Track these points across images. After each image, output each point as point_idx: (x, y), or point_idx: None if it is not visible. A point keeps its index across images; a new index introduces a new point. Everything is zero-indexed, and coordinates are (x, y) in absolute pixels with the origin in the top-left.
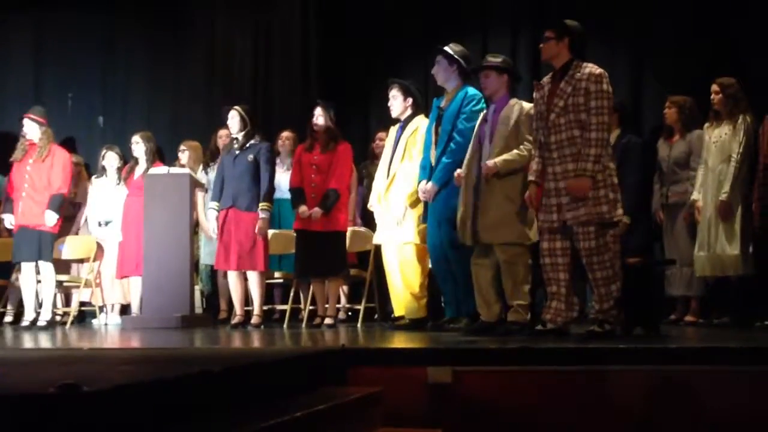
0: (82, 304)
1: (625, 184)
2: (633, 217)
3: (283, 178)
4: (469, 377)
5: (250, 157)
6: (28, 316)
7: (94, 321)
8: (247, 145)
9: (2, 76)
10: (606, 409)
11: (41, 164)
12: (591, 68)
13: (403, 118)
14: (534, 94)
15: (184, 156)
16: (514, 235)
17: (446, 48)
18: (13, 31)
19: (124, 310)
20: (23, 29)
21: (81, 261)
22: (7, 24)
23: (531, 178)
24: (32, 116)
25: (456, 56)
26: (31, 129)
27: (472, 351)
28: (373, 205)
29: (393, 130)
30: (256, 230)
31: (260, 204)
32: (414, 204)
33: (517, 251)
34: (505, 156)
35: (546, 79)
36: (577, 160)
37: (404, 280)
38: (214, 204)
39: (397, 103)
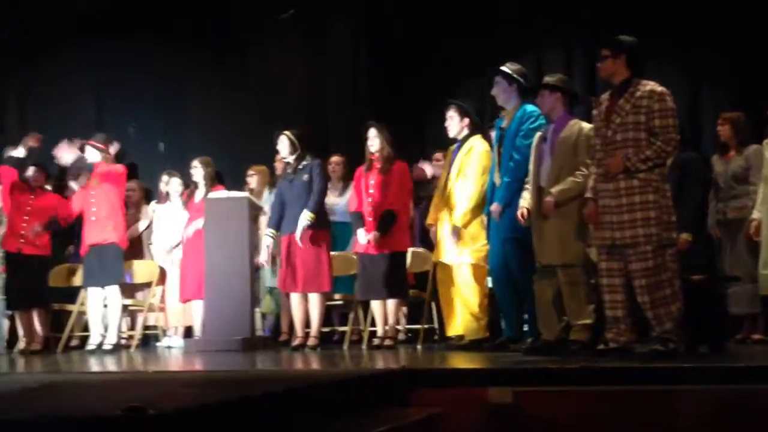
0: (146, 327)
1: (685, 200)
2: (695, 233)
3: (336, 202)
4: (530, 398)
5: (305, 177)
6: (94, 340)
7: (158, 344)
8: (300, 166)
9: (66, 108)
10: (671, 430)
11: (103, 188)
12: (652, 86)
13: (459, 138)
14: (593, 111)
15: (252, 180)
16: (573, 256)
17: (504, 68)
18: (75, 65)
19: (188, 332)
20: (85, 63)
21: (146, 285)
22: (69, 58)
23: (588, 194)
24: (93, 143)
25: (515, 75)
26: (93, 155)
27: (533, 371)
28: (430, 224)
29: (451, 150)
30: (297, 234)
31: (305, 212)
32: (468, 223)
33: (577, 271)
34: (561, 186)
35: (605, 96)
36: (630, 179)
37: (463, 301)
38: (270, 231)
39: (454, 123)
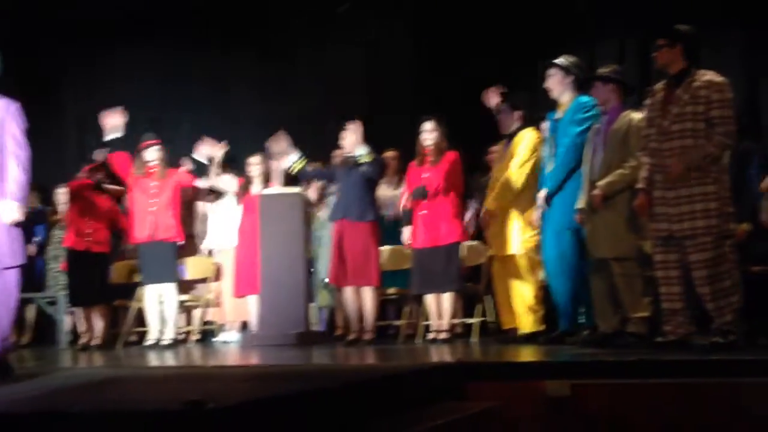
0: (203, 322)
1: (745, 190)
2: (754, 224)
3: (389, 195)
4: (588, 391)
5: (363, 169)
6: (153, 336)
7: (215, 339)
8: (361, 160)
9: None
10: (731, 423)
11: (162, 183)
12: (711, 76)
13: (511, 130)
14: (646, 100)
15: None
16: (626, 248)
17: (558, 60)
18: (131, 63)
19: (244, 327)
20: (141, 60)
21: (202, 281)
22: (126, 56)
23: (640, 185)
24: (150, 141)
25: (570, 67)
26: (151, 152)
27: (590, 364)
28: (486, 217)
29: (503, 143)
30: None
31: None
32: (517, 215)
33: (631, 264)
34: (609, 179)
35: (660, 85)
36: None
37: (517, 293)
38: None
39: (506, 116)
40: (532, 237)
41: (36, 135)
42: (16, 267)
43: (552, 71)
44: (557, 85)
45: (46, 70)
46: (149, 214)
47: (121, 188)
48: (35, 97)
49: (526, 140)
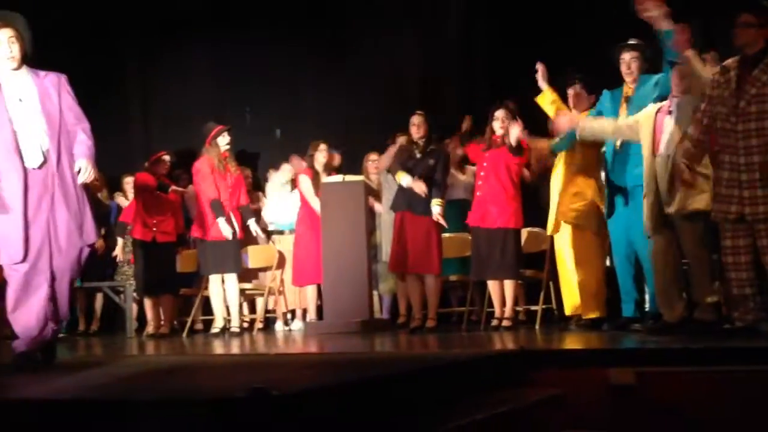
0: (266, 311)
1: None
2: None
3: (451, 180)
4: (653, 379)
5: (431, 161)
6: (218, 324)
7: (278, 327)
8: (428, 150)
9: (184, 98)
10: None
11: (235, 179)
12: None
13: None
14: (716, 77)
15: (371, 165)
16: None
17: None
18: (192, 55)
19: (305, 315)
20: (202, 53)
21: (264, 270)
22: (187, 48)
23: (683, 160)
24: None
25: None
26: (224, 137)
27: (656, 351)
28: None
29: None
30: (435, 218)
31: (435, 200)
32: (581, 197)
33: (703, 251)
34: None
35: (731, 62)
36: (763, 152)
37: (581, 279)
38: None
39: (581, 99)
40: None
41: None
42: (86, 246)
43: (635, 54)
44: (635, 63)
45: (112, 65)
46: (225, 209)
47: (183, 189)
48: (102, 92)
49: None
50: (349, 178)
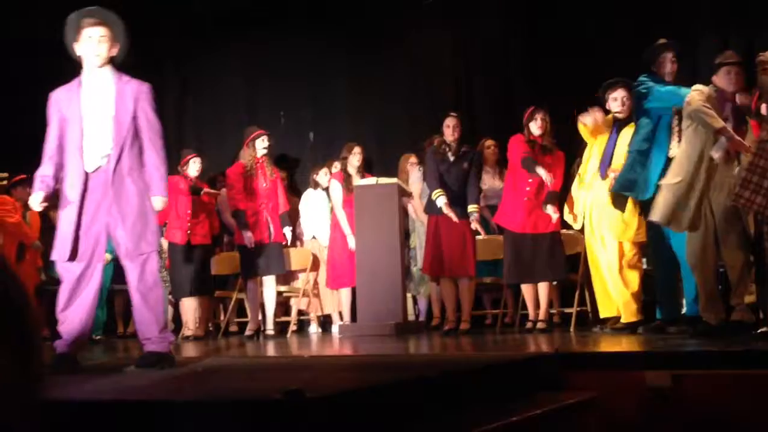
0: (300, 313)
1: None
2: None
3: (490, 185)
4: (690, 382)
5: (465, 165)
6: (252, 326)
7: (312, 329)
8: (460, 152)
9: (218, 101)
10: None
11: (271, 179)
12: None
13: (622, 117)
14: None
15: (408, 166)
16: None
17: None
18: (227, 58)
19: (339, 317)
20: (236, 56)
21: (299, 272)
22: (221, 52)
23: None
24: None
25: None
26: (263, 140)
27: (693, 354)
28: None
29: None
30: (473, 226)
31: (471, 206)
32: (618, 201)
33: (742, 252)
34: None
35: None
36: None
37: (615, 281)
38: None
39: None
40: (636, 225)
41: None
42: (147, 254)
43: (671, 56)
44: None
45: (147, 67)
46: (261, 212)
47: (215, 191)
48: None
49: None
50: (383, 180)
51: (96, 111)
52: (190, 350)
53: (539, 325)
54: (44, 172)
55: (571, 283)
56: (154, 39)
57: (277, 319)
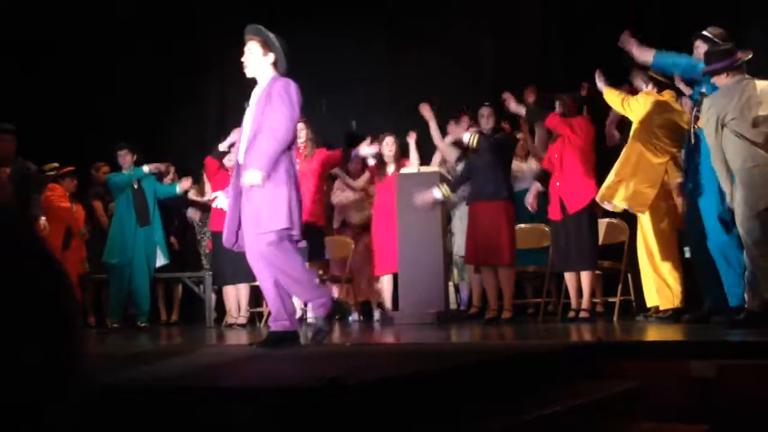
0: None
1: None
2: None
3: (520, 167)
4: (735, 372)
5: (493, 151)
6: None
7: (352, 317)
8: (492, 139)
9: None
10: None
11: (310, 168)
12: None
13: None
14: None
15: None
16: None
17: (705, 32)
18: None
19: (379, 306)
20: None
21: (341, 259)
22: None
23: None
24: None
25: (715, 39)
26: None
27: (738, 344)
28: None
29: None
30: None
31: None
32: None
33: None
34: None
35: None
36: None
37: (657, 268)
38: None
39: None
40: (674, 212)
41: (180, 124)
42: (278, 230)
43: (697, 43)
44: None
45: (191, 60)
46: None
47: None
48: (180, 87)
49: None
50: (425, 168)
51: (248, 114)
52: (232, 338)
53: (582, 314)
54: None
55: (616, 272)
56: (197, 33)
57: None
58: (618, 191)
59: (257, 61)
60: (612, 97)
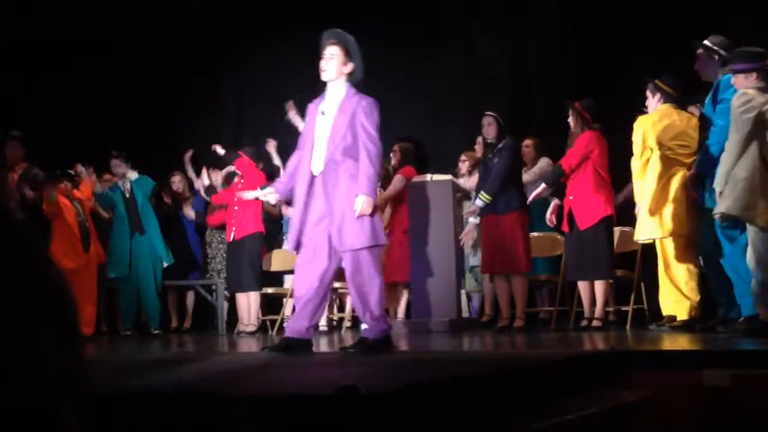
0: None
1: None
2: None
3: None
4: (749, 381)
5: (497, 159)
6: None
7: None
8: (497, 148)
9: (276, 95)
10: None
11: None
12: None
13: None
14: None
15: (463, 166)
16: None
17: (706, 41)
18: (285, 55)
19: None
20: (294, 52)
21: None
22: (283, 46)
23: None
24: None
25: (714, 47)
26: None
27: (753, 353)
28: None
29: None
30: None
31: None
32: (663, 195)
33: None
34: None
35: None
36: None
37: (670, 278)
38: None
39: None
40: (686, 220)
41: (195, 130)
42: (368, 248)
43: (699, 52)
44: (704, 67)
45: (206, 65)
46: None
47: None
48: (196, 92)
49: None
50: (437, 177)
51: (322, 122)
52: (244, 345)
53: (595, 323)
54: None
55: (629, 280)
56: (214, 38)
57: (331, 315)
58: (654, 226)
59: (337, 68)
60: (638, 165)
